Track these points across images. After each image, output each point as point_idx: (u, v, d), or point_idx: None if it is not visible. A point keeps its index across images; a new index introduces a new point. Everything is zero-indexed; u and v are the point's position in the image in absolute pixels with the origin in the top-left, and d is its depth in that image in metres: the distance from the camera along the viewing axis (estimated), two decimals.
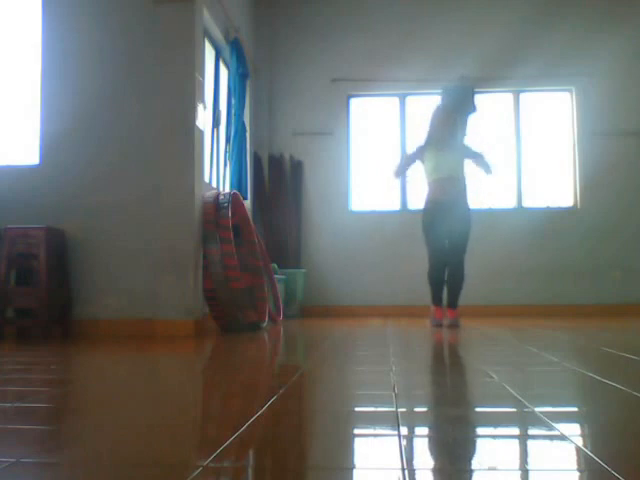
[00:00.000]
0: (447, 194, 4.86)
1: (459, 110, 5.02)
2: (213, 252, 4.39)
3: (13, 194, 4.42)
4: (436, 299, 5.00)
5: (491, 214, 7.04)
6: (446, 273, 4.90)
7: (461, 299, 4.99)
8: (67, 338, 4.18)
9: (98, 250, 4.38)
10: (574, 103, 7.19)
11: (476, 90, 7.02)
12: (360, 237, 7.11)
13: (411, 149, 5.19)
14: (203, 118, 4.68)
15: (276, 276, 5.88)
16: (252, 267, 5.09)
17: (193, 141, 4.39)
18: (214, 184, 5.79)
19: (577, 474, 1.14)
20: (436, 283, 4.97)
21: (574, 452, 1.26)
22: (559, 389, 2.09)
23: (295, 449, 1.35)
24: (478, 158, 4.98)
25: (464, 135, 5.07)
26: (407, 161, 5.14)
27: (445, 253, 4.87)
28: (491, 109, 7.29)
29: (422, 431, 1.53)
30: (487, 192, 7.19)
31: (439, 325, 4.87)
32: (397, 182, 5.45)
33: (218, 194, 4.71)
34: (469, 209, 4.94)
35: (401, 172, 5.21)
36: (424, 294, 6.82)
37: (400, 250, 6.98)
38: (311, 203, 7.25)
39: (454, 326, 4.75)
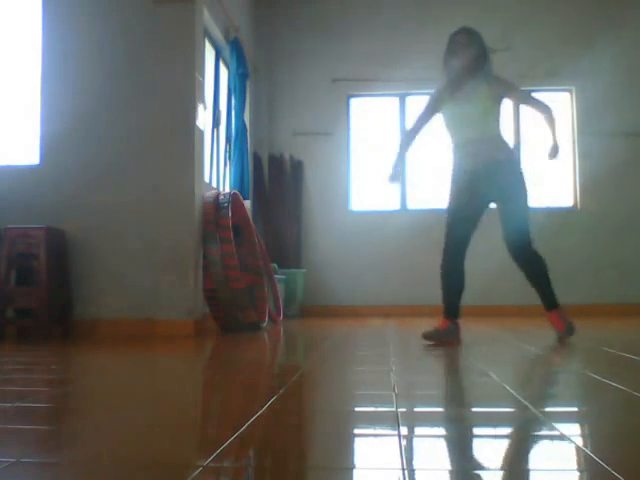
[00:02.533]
0: (478, 162, 3.48)
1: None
2: (213, 252, 4.39)
3: (13, 194, 4.41)
4: (450, 309, 3.56)
5: (491, 214, 7.03)
6: (523, 271, 3.56)
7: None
8: (67, 338, 4.18)
9: (98, 250, 4.38)
10: (574, 103, 7.18)
11: None
12: (360, 237, 7.10)
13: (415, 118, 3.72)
14: (203, 118, 4.68)
15: (276, 276, 5.88)
16: (252, 267, 5.09)
17: (193, 141, 4.38)
18: (214, 184, 5.79)
19: (577, 474, 1.14)
20: (450, 283, 3.60)
21: (574, 452, 1.26)
22: (559, 389, 2.09)
23: (295, 449, 1.35)
24: (541, 108, 3.60)
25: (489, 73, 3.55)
26: (408, 137, 3.70)
27: (467, 241, 3.58)
28: None
29: (422, 431, 1.53)
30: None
31: (444, 340, 3.47)
32: (395, 181, 3.64)
33: (218, 194, 4.71)
34: (519, 174, 3.51)
35: (401, 159, 3.68)
36: (423, 293, 6.83)
37: (400, 250, 6.98)
38: (311, 203, 7.24)
39: (566, 336, 3.40)
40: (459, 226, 3.56)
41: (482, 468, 1.18)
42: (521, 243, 3.50)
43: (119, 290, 4.33)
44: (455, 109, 3.53)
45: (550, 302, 3.50)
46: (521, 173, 3.54)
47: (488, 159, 3.48)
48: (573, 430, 1.50)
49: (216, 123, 5.96)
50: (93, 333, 4.29)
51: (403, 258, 6.97)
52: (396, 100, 7.40)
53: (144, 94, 4.42)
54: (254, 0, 7.24)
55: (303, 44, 7.33)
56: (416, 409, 1.78)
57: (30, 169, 4.50)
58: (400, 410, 1.64)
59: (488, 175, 3.48)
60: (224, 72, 6.19)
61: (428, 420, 1.63)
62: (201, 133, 4.60)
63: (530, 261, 3.49)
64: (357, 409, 1.79)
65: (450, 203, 3.60)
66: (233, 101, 6.06)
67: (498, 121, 3.57)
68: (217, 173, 5.98)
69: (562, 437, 1.36)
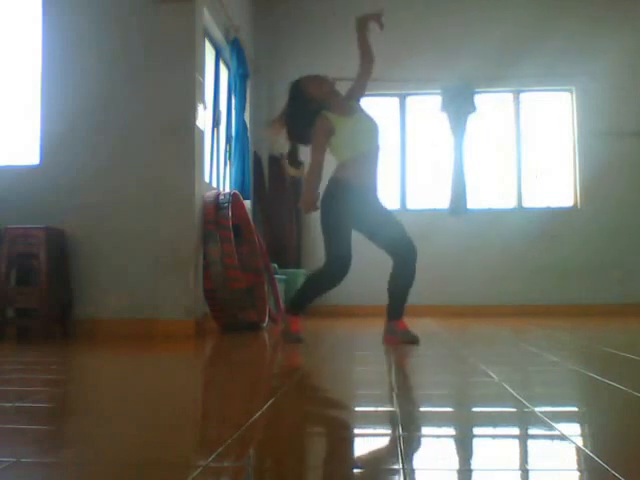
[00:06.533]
0: (370, 177, 3.71)
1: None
2: (213, 252, 4.39)
3: (13, 194, 4.41)
4: (300, 308, 3.76)
5: (491, 214, 7.03)
6: (392, 271, 3.88)
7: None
8: (67, 338, 4.18)
9: (98, 250, 4.38)
10: (574, 103, 7.18)
11: (476, 90, 7.06)
12: (360, 236, 7.08)
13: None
14: (203, 118, 4.68)
15: (276, 276, 5.88)
16: (252, 267, 5.09)
17: (193, 141, 4.38)
18: (214, 184, 5.79)
19: (577, 474, 1.14)
20: (318, 292, 3.91)
21: (574, 452, 1.26)
22: (559, 389, 2.09)
23: (295, 449, 1.35)
24: None
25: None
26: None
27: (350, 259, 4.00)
28: (491, 109, 7.29)
29: (422, 431, 1.53)
30: (486, 192, 7.20)
31: (298, 340, 3.60)
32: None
33: (218, 194, 4.71)
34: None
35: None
36: (422, 293, 6.83)
37: None
38: None
39: (410, 340, 3.42)
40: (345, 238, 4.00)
41: (482, 468, 1.18)
42: (409, 245, 3.80)
43: (119, 290, 4.33)
44: (350, 121, 3.70)
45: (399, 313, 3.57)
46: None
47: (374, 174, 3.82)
48: (573, 430, 1.50)
49: (216, 123, 5.96)
50: (93, 333, 4.28)
51: None
52: (396, 100, 7.40)
53: (144, 94, 4.41)
54: (254, 0, 7.24)
55: (303, 44, 7.33)
56: (416, 409, 1.78)
57: (30, 169, 4.49)
58: (400, 410, 1.64)
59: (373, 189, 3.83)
60: (224, 72, 6.19)
61: (428, 420, 1.63)
62: (201, 133, 4.60)
63: (413, 265, 3.71)
64: (357, 409, 1.79)
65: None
66: (233, 101, 6.06)
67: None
68: (217, 173, 5.97)
69: (562, 437, 1.36)
